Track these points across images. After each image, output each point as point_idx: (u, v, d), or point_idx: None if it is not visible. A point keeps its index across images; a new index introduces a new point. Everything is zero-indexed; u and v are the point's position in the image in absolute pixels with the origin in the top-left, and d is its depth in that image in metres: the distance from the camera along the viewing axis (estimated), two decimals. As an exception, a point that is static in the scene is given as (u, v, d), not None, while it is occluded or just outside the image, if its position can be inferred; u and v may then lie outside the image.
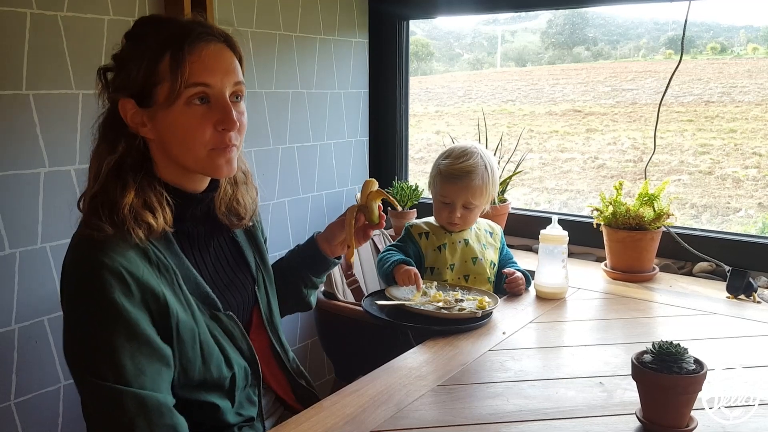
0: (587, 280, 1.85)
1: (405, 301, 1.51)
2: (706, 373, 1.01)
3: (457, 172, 1.66)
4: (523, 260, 1.88)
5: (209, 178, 1.13)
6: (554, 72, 4.27)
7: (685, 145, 3.46)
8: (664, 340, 1.05)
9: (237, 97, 1.08)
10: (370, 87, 2.50)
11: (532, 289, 1.74)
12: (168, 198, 1.05)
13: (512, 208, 2.22)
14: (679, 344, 1.04)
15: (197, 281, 1.09)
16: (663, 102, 2.05)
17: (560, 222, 1.71)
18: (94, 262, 0.95)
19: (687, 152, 3.43)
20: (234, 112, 1.04)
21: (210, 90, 1.03)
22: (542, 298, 1.69)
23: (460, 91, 4.52)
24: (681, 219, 2.55)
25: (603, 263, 1.93)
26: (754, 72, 3.65)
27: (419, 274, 1.57)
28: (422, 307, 1.48)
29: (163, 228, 1.03)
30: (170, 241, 1.07)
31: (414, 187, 2.31)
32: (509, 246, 1.87)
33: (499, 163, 2.15)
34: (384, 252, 1.70)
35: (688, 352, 1.03)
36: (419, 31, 3.96)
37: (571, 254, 1.89)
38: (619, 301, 1.69)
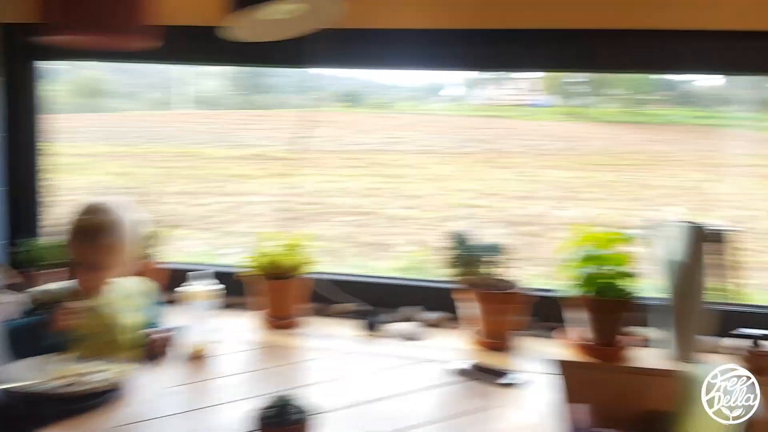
0: (238, 333, 1.86)
1: (26, 382, 1.34)
2: (309, 421, 1.09)
3: (84, 229, 1.56)
4: (175, 317, 1.81)
5: None
6: (239, 117, 4.35)
7: (353, 188, 3.83)
8: (282, 391, 1.12)
9: None
10: (8, 131, 2.21)
11: (181, 348, 1.68)
12: None
13: (163, 263, 2.07)
14: (285, 395, 1.11)
15: None
16: (336, 149, 2.20)
17: (216, 274, 1.70)
18: None
19: (353, 195, 3.78)
20: None
21: None
22: (190, 356, 1.66)
23: (142, 131, 4.32)
24: (347, 257, 2.76)
25: (254, 313, 1.95)
26: (410, 125, 4.23)
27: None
28: (46, 387, 1.33)
29: None
30: None
31: (52, 245, 2.05)
32: (161, 302, 1.79)
33: (156, 212, 2.07)
34: (5, 323, 1.49)
35: (293, 402, 1.11)
36: (96, 66, 3.66)
37: (228, 305, 1.90)
38: (269, 351, 1.75)
